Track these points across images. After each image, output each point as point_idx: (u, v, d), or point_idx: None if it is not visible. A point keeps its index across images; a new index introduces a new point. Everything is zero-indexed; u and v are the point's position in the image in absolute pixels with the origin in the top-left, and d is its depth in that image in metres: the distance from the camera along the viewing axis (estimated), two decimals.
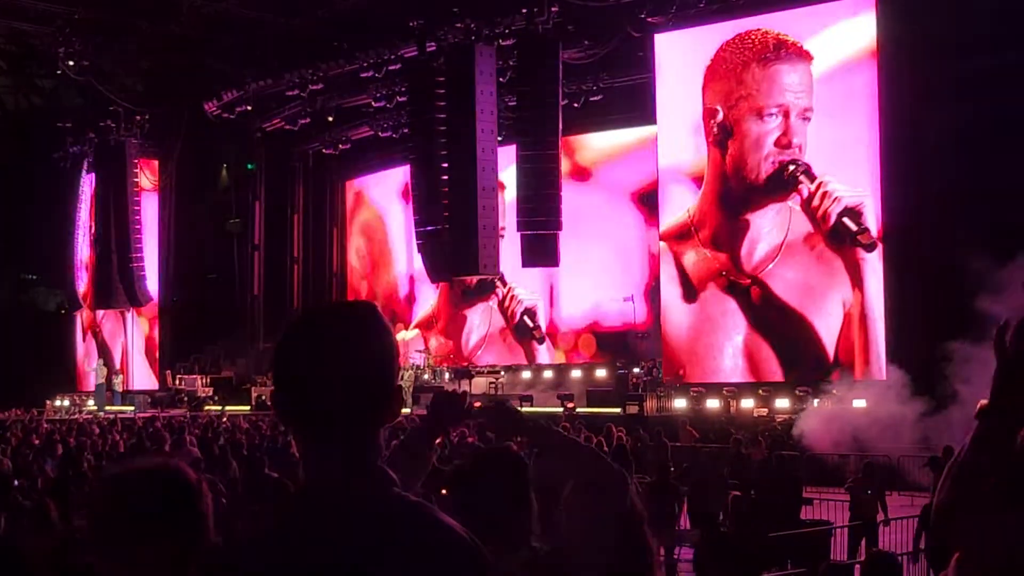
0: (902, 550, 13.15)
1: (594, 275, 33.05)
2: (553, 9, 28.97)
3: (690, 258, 28.90)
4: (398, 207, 39.33)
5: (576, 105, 31.71)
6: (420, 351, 35.00)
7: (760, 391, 26.09)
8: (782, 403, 25.16)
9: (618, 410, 26.46)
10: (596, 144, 34.18)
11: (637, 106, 30.95)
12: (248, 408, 32.64)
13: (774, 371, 27.34)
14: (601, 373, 31.61)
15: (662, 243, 29.68)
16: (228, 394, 36.24)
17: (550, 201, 29.28)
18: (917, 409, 20.94)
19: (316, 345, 2.14)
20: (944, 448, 15.91)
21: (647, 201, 32.44)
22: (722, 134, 28.13)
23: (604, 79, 31.87)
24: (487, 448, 4.04)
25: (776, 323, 27.38)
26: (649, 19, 28.82)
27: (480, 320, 36.66)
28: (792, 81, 27.30)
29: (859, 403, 23.43)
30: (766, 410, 25.12)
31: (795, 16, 27.44)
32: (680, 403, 26.58)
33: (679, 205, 29.43)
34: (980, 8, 23.00)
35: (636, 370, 28.95)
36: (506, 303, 35.78)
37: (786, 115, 27.19)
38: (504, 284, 35.16)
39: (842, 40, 26.80)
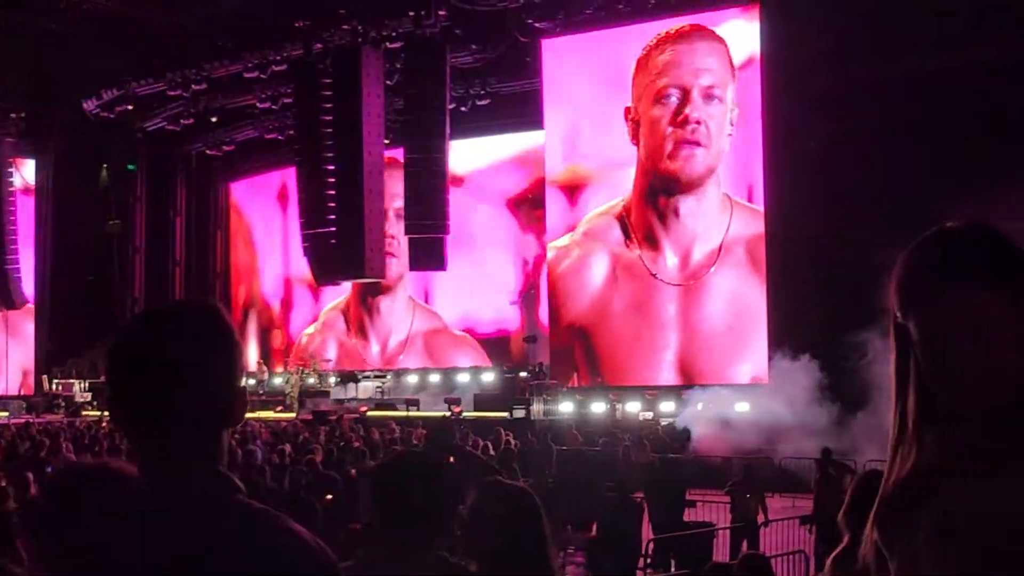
0: (782, 551, 13.36)
1: (469, 281, 32.97)
2: (441, 12, 28.93)
3: (624, 257, 28.42)
4: (276, 210, 38.92)
5: (464, 109, 31.69)
6: (306, 355, 34.64)
7: (646, 394, 26.32)
8: (667, 406, 25.41)
9: (505, 414, 26.47)
10: (474, 150, 34.06)
11: (525, 112, 31.03)
12: (108, 412, 31.91)
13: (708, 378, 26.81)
14: (488, 377, 31.61)
15: (549, 251, 29.83)
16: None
17: (437, 205, 29.21)
18: (802, 409, 21.36)
19: (152, 346, 2.07)
20: (822, 450, 16.21)
21: (524, 207, 32.55)
22: (634, 128, 27.91)
23: (492, 84, 31.89)
24: (404, 451, 4.00)
25: (713, 330, 27.15)
26: (536, 24, 28.95)
27: (400, 320, 35.97)
28: (693, 59, 27.05)
29: (742, 406, 23.78)
30: (651, 413, 25.36)
31: (679, 23, 27.74)
32: (567, 407, 26.69)
33: (558, 212, 29.62)
34: (863, 18, 23.50)
35: (523, 374, 29.01)
36: None
37: (685, 93, 26.98)
38: None
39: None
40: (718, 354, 26.98)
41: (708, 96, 26.84)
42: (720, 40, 26.90)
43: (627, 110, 28.05)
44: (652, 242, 27.98)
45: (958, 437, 1.88)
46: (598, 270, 28.71)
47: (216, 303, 2.18)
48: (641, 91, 27.78)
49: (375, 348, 36.04)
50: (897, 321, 1.92)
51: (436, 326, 34.93)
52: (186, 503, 2.01)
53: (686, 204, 27.34)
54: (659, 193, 27.67)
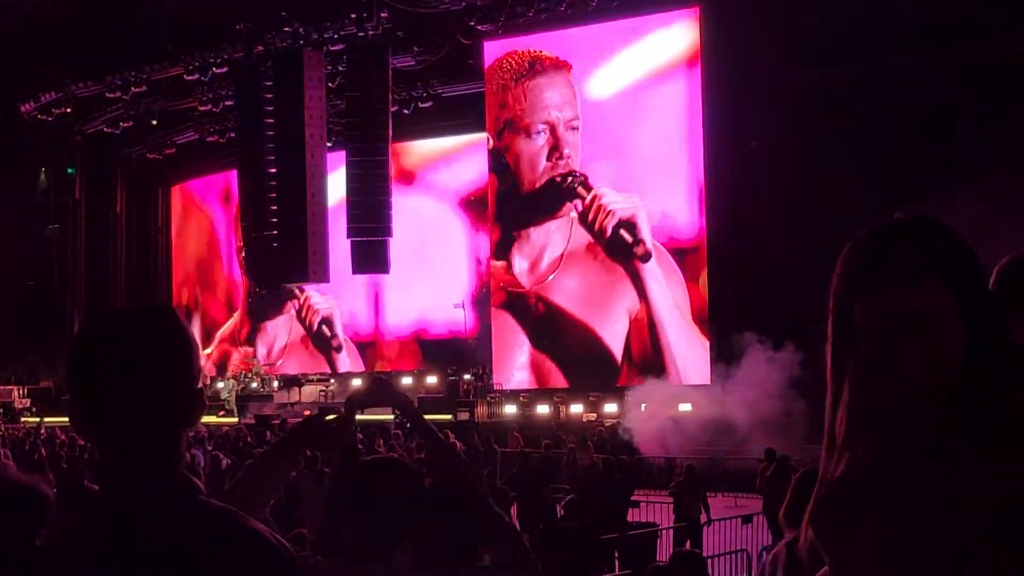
0: (725, 550, 13.46)
1: (420, 282, 32.91)
2: (383, 15, 28.84)
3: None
4: (220, 212, 38.77)
5: (406, 111, 31.62)
6: (248, 360, 34.48)
7: (590, 396, 26.40)
8: (611, 407, 25.51)
9: (449, 416, 26.45)
10: (422, 148, 34.09)
11: (467, 114, 31.00)
12: (68, 419, 31.57)
13: (559, 380, 28.28)
14: (432, 380, 31.55)
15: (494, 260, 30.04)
16: (47, 405, 35.05)
17: (380, 207, 29.14)
18: (741, 410, 21.52)
19: (108, 351, 2.09)
20: (765, 451, 16.34)
21: (474, 207, 32.53)
22: (495, 160, 29.16)
23: (434, 86, 31.83)
24: (383, 457, 3.95)
25: (559, 334, 28.37)
26: (479, 27, 28.93)
27: (282, 330, 36.65)
28: (552, 96, 28.38)
29: (685, 407, 23.91)
30: (595, 415, 25.44)
31: (615, 26, 27.94)
32: (510, 409, 26.71)
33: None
34: (802, 21, 23.74)
35: (467, 376, 29.01)
36: (303, 313, 35.86)
37: (553, 129, 28.13)
38: (301, 292, 35.01)
39: (658, 49, 27.49)
40: (563, 362, 28.51)
41: (571, 128, 28.13)
42: (568, 68, 28.23)
43: (486, 140, 29.50)
44: (503, 256, 29.47)
45: (897, 435, 1.85)
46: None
47: (171, 306, 2.21)
48: (499, 124, 29.13)
49: (261, 351, 36.94)
50: (837, 311, 1.91)
51: (304, 335, 36.49)
52: (149, 505, 2.03)
53: (540, 228, 28.73)
54: (520, 214, 29.01)
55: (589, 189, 27.62)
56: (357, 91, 29.42)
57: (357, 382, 33.64)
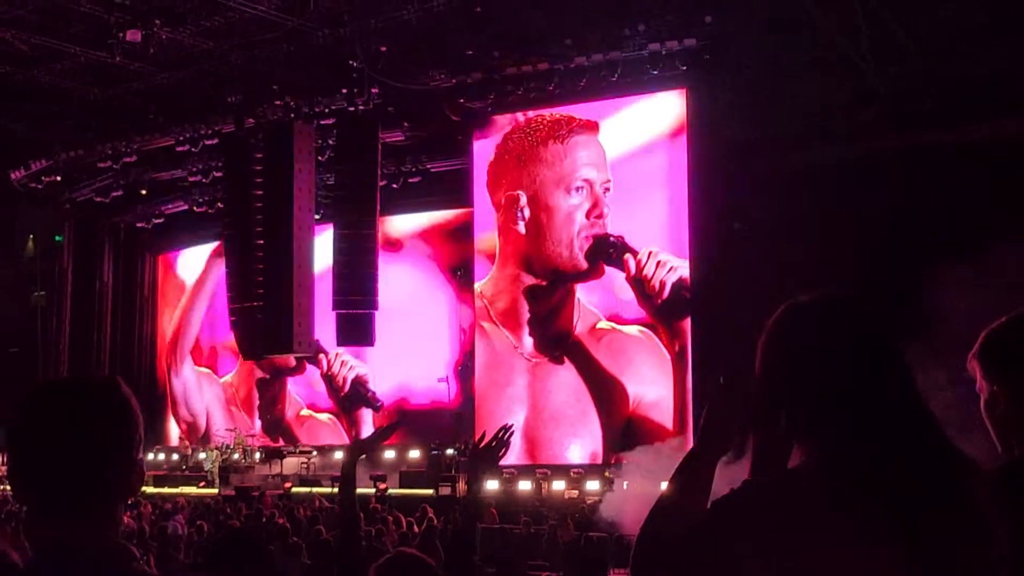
0: None
1: (402, 351, 32.72)
2: (373, 90, 29.14)
3: (490, 334, 29.35)
4: (210, 275, 38.61)
5: (395, 186, 31.82)
6: (230, 430, 34.27)
7: (572, 473, 26.32)
8: (592, 485, 25.42)
9: (431, 491, 26.32)
10: (410, 219, 34.01)
11: (456, 189, 31.14)
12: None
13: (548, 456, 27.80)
14: (415, 454, 31.35)
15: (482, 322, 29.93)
16: None
17: (366, 281, 29.21)
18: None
19: (48, 420, 2.13)
20: None
21: (459, 275, 32.51)
22: (530, 215, 28.56)
23: (423, 161, 32.06)
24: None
25: (593, 401, 27.83)
26: (468, 104, 29.24)
27: (290, 398, 36.04)
28: (590, 154, 28.10)
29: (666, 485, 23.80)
30: (576, 491, 25.35)
31: (609, 104, 28.23)
32: (492, 485, 26.57)
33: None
34: (787, 103, 24.00)
35: (450, 451, 28.88)
36: (335, 369, 34.59)
37: (591, 187, 27.94)
38: (326, 354, 34.06)
39: (642, 120, 27.82)
40: (559, 432, 28.12)
41: (605, 189, 27.88)
42: (596, 128, 28.19)
43: (514, 198, 28.75)
44: (514, 321, 28.99)
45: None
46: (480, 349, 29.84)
47: (115, 377, 2.24)
48: (535, 181, 28.55)
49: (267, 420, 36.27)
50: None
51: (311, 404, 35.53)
52: (81, 570, 2.06)
53: (559, 292, 28.31)
54: (539, 279, 28.59)
55: (632, 250, 27.20)
56: (346, 165, 29.63)
57: (339, 455, 33.44)
